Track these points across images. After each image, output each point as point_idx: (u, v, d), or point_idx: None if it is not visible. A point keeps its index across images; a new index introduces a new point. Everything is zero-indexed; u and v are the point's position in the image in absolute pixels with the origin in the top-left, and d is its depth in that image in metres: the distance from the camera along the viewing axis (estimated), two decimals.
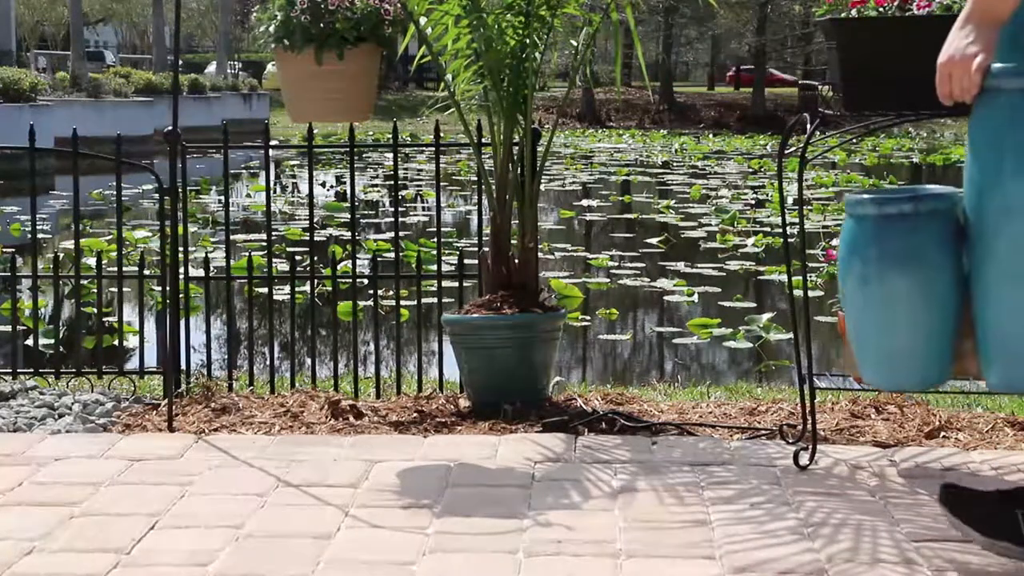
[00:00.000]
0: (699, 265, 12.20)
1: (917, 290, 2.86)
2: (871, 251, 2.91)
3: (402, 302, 5.55)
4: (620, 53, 6.29)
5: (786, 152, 4.06)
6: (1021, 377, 2.83)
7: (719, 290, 10.75)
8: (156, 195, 5.37)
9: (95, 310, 5.23)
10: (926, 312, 2.87)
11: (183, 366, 4.82)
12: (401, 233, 5.49)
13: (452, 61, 4.72)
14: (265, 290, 5.44)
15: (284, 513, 3.41)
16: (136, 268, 5.14)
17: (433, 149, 5.04)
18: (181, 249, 4.74)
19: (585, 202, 18.62)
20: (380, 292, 5.28)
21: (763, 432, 4.20)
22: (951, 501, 2.87)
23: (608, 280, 11.40)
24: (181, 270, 4.76)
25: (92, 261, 5.31)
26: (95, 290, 5.18)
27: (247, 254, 5.73)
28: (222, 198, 6.96)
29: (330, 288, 5.19)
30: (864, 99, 3.64)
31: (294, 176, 24.49)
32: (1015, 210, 2.75)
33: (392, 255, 5.74)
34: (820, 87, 3.89)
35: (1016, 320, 2.78)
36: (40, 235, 11.77)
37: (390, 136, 5.26)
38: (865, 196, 2.94)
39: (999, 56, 2.84)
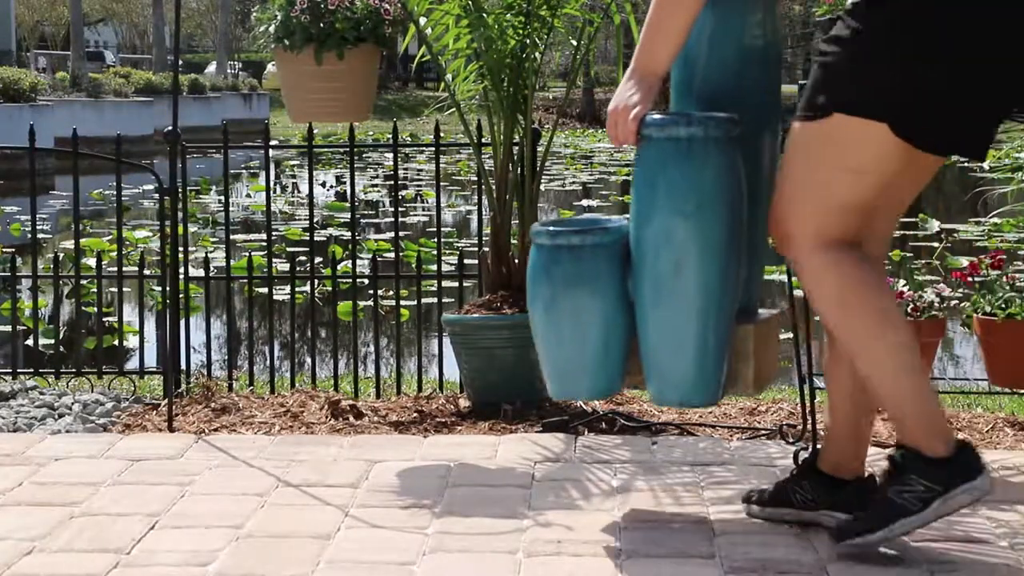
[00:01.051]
0: None
1: (583, 311, 3.16)
2: (547, 276, 3.19)
3: (402, 302, 5.54)
4: (621, 53, 6.28)
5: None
6: (669, 391, 3.16)
7: None
8: (156, 195, 5.36)
9: (95, 310, 5.23)
10: (591, 331, 3.16)
11: (183, 366, 4.82)
12: (401, 233, 5.48)
13: (452, 61, 4.72)
14: (265, 290, 5.44)
15: (284, 513, 3.40)
16: (136, 268, 5.14)
17: (433, 149, 5.04)
18: (181, 249, 4.73)
19: (585, 202, 18.60)
20: (380, 292, 5.28)
21: (763, 432, 4.20)
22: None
23: None
24: (181, 270, 4.76)
25: (92, 261, 5.31)
26: (95, 290, 5.17)
27: (247, 254, 5.73)
28: (222, 198, 6.96)
29: (330, 288, 5.19)
30: None
31: (294, 176, 24.46)
32: (663, 242, 3.06)
33: (392, 255, 5.74)
34: None
35: (662, 339, 3.10)
36: (40, 235, 11.76)
37: (390, 136, 5.25)
38: (545, 228, 3.22)
39: (672, 103, 3.26)
